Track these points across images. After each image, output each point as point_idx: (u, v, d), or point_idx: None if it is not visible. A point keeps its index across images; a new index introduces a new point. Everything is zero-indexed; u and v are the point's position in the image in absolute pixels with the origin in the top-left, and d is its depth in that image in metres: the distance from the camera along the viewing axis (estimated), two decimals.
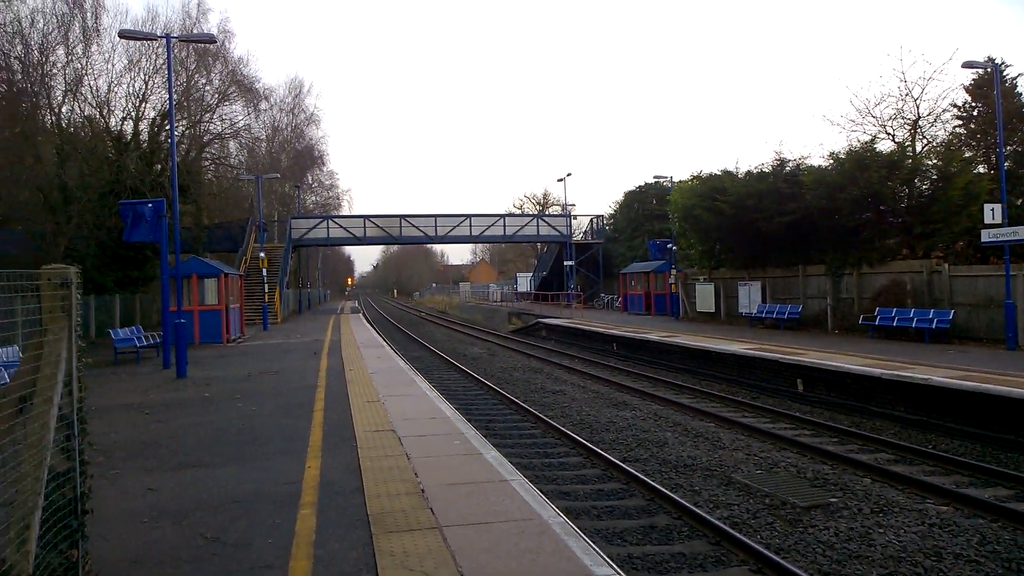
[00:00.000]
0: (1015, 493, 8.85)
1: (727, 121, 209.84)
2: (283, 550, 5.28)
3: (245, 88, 38.86)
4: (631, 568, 6.68)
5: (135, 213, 17.59)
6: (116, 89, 32.79)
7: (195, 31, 32.60)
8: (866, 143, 24.57)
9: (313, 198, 65.00)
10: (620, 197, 53.26)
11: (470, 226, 47.59)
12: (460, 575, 4.71)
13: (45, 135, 29.36)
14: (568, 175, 47.46)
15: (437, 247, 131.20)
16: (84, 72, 30.92)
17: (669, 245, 34.37)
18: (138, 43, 30.40)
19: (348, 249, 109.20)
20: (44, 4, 29.33)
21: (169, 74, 19.47)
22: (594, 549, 5.22)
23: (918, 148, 26.09)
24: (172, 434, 9.82)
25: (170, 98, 20.01)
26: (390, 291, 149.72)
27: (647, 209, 47.44)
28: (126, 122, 33.21)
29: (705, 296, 31.34)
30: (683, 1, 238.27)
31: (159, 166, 32.07)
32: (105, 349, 20.94)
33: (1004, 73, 25.72)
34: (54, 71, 29.73)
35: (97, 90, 32.32)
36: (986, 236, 18.19)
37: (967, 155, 25.31)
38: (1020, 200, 23.91)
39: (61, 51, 29.88)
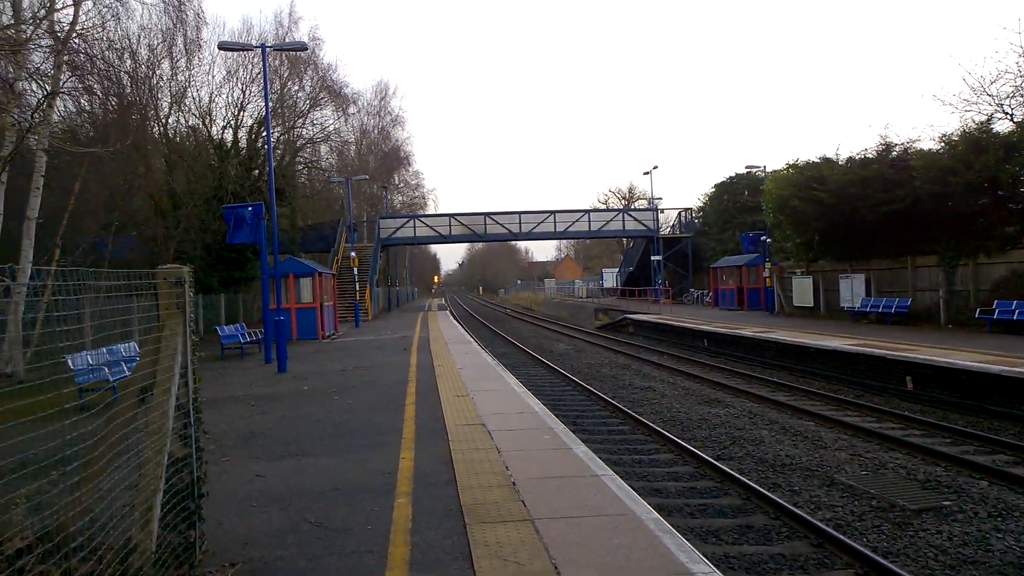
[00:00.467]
0: None
1: (824, 106, 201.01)
2: (382, 536, 5.44)
3: (334, 93, 40.31)
4: (727, 568, 6.50)
5: (236, 216, 18.54)
6: (216, 99, 34.73)
7: (287, 40, 34.04)
8: (981, 124, 22.93)
9: (400, 198, 66.72)
10: (709, 189, 52.07)
11: (554, 222, 47.58)
12: (554, 567, 4.72)
13: (154, 145, 31.35)
14: (654, 168, 46.78)
15: (522, 244, 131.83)
16: (187, 84, 32.86)
17: (763, 237, 33.26)
18: (235, 54, 32.06)
19: (434, 247, 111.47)
20: (151, 20, 31.34)
21: (265, 81, 20.42)
22: (689, 547, 5.12)
23: None
24: (275, 425, 10.29)
25: (266, 105, 20.97)
26: (475, 288, 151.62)
27: (738, 201, 46.06)
28: (226, 130, 35.13)
29: (803, 290, 30.14)
30: None
31: (257, 171, 33.70)
32: (212, 345, 22.16)
33: None
34: (160, 84, 31.72)
35: (199, 101, 34.34)
36: None
37: None
38: None
39: (166, 65, 31.84)
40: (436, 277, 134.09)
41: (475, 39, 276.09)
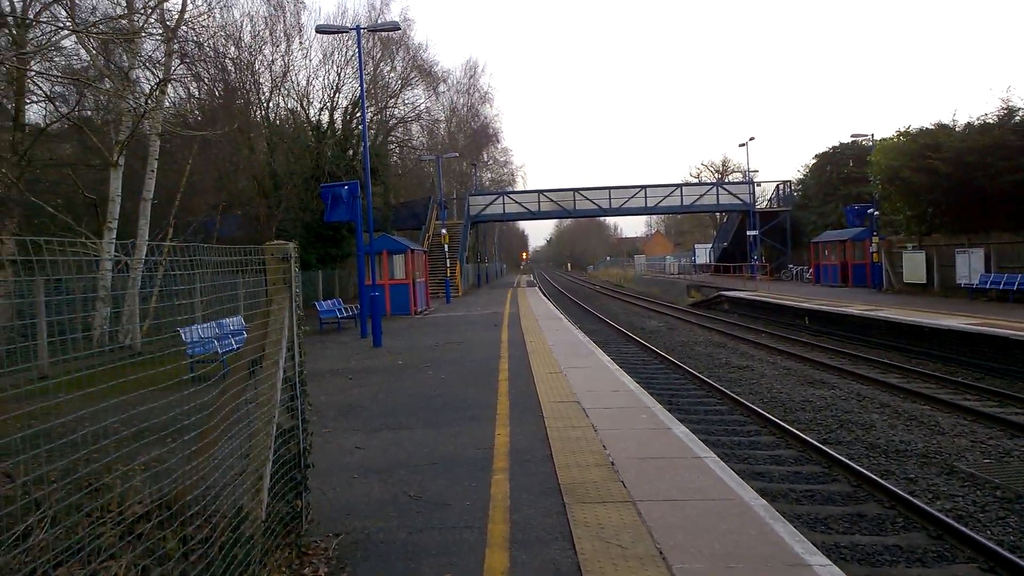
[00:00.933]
0: None
1: (937, 69, 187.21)
2: (480, 512, 5.44)
3: (425, 73, 40.73)
4: (839, 558, 6.16)
5: (333, 195, 19.04)
6: (313, 82, 36.00)
7: (379, 21, 34.54)
8: None
9: (489, 175, 66.98)
10: (810, 160, 49.56)
11: (645, 197, 46.58)
12: (659, 552, 4.57)
13: (256, 128, 32.66)
14: (751, 139, 44.84)
15: (611, 220, 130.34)
16: (287, 68, 33.97)
17: (870, 210, 31.41)
18: (331, 37, 32.84)
19: (522, 224, 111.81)
20: (253, 6, 32.49)
21: (359, 62, 20.81)
22: (801, 536, 4.85)
23: None
24: (372, 398, 10.54)
25: (361, 86, 21.38)
26: (564, 265, 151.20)
27: (842, 172, 43.69)
28: (322, 112, 36.16)
29: (914, 265, 28.30)
30: None
31: (351, 151, 34.54)
32: (311, 320, 22.98)
33: None
34: (261, 69, 32.92)
35: (298, 84, 35.47)
36: None
37: None
38: None
39: (267, 50, 33.01)
40: (524, 253, 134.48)
41: (564, 14, 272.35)
